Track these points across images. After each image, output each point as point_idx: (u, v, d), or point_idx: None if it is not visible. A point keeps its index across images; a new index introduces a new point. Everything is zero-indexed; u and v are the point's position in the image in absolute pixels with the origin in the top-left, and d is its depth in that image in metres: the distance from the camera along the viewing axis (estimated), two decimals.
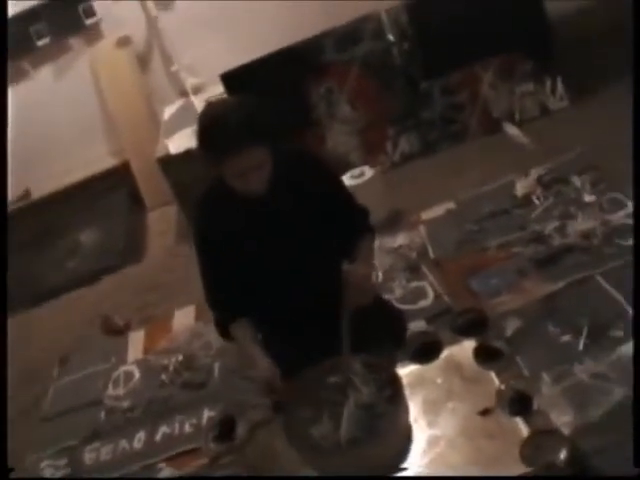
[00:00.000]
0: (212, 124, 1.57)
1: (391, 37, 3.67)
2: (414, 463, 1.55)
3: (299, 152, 1.83)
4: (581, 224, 2.61)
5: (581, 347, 2.06)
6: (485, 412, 1.60)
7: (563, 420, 1.79)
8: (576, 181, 2.91)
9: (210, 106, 1.68)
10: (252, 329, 1.76)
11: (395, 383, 1.58)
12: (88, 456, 2.48)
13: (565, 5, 3.79)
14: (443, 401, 1.67)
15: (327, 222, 1.75)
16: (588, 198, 2.77)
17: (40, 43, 4.26)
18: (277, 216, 1.71)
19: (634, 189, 2.23)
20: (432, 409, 1.66)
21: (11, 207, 4.54)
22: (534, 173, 3.07)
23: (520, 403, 1.62)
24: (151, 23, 4.36)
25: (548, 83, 3.70)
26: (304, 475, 1.55)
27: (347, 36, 3.64)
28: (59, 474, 2.46)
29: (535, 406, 1.66)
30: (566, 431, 1.68)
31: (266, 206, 1.67)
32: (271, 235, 1.71)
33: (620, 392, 1.83)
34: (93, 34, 4.37)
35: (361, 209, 1.87)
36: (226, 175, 1.60)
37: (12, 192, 4.54)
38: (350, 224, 1.81)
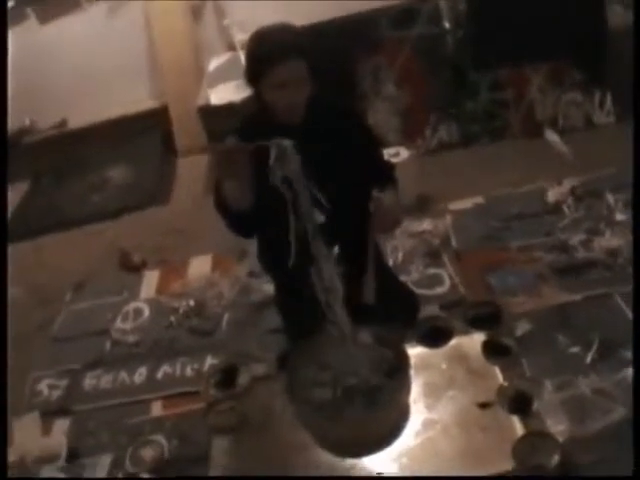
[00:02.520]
0: (261, 35, 1.69)
1: (446, 24, 3.62)
2: (406, 442, 1.57)
3: (338, 98, 1.88)
4: (608, 241, 2.59)
5: (588, 361, 2.06)
6: (484, 405, 1.62)
7: (558, 428, 1.81)
8: (609, 198, 2.88)
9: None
10: None
11: (402, 360, 1.60)
12: (88, 382, 2.53)
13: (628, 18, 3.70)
14: (444, 388, 1.69)
15: (356, 162, 1.79)
16: (619, 217, 2.75)
17: None
18: (308, 146, 1.73)
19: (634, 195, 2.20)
20: (433, 393, 1.68)
21: (45, 134, 4.58)
22: (568, 183, 3.04)
23: (520, 402, 1.63)
24: None
25: (597, 96, 3.64)
26: (306, 476, 1.57)
27: (403, 16, 3.59)
28: (57, 394, 2.51)
29: (533, 409, 1.67)
30: (559, 439, 1.69)
31: (299, 135, 1.68)
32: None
33: (621, 411, 1.83)
34: None
35: (388, 161, 1.96)
36: (266, 89, 1.66)
37: (49, 120, 4.59)
38: (378, 170, 1.87)
